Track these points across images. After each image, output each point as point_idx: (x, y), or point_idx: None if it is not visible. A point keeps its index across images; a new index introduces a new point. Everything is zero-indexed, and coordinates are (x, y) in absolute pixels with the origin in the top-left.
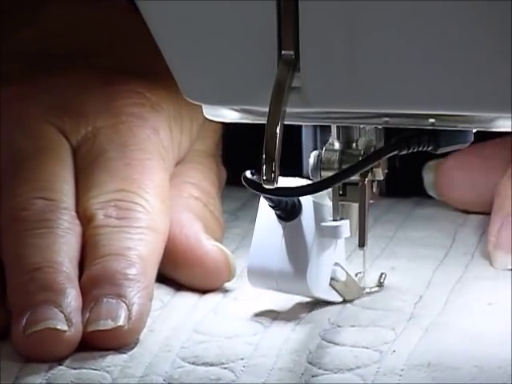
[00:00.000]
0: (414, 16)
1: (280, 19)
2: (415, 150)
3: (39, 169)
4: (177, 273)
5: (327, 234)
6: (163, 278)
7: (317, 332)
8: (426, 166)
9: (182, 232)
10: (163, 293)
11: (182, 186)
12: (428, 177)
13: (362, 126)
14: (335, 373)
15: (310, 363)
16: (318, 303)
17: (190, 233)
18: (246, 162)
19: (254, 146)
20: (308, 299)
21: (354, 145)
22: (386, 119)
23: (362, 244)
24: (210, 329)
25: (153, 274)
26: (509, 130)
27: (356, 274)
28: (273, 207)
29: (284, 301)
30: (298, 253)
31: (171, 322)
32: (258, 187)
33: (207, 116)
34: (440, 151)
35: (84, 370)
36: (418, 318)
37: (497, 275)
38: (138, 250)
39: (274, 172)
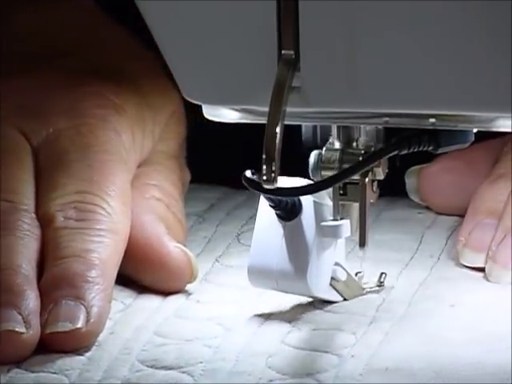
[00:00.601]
0: (414, 16)
1: (280, 19)
2: (415, 150)
3: (0, 170)
4: (139, 274)
5: (327, 234)
6: (126, 281)
7: (277, 335)
8: (409, 170)
9: (144, 234)
10: (126, 295)
11: (144, 188)
12: (410, 182)
13: (362, 126)
14: (293, 377)
15: (269, 367)
16: (282, 305)
17: (152, 234)
18: (213, 162)
19: (223, 146)
20: (269, 301)
21: (354, 144)
22: (386, 119)
23: (362, 244)
24: (170, 331)
25: (112, 276)
26: (509, 129)
27: (356, 274)
28: (273, 207)
29: (248, 303)
30: (298, 252)
31: (132, 324)
32: (258, 187)
33: (207, 116)
34: (440, 151)
35: (42, 374)
36: (380, 321)
37: (460, 277)
38: (97, 252)
39: (274, 172)
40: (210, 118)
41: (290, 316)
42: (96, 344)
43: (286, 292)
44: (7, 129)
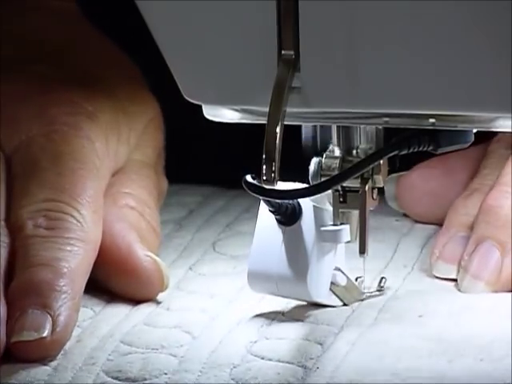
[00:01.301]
0: (414, 16)
1: (280, 19)
2: (415, 150)
3: None
4: (110, 282)
5: (327, 239)
6: (98, 288)
7: (244, 344)
8: (388, 178)
9: (115, 242)
10: (95, 303)
11: (118, 196)
12: (389, 189)
13: (362, 130)
14: None
15: (233, 379)
16: (251, 314)
17: (123, 243)
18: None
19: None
20: (239, 309)
21: (354, 152)
22: (386, 119)
23: (362, 251)
24: (137, 340)
25: (81, 285)
26: (509, 129)
27: (356, 279)
28: (273, 212)
29: (218, 311)
30: (298, 257)
31: (100, 332)
32: (257, 190)
33: (207, 116)
34: (440, 151)
35: None
36: (347, 331)
37: (432, 287)
38: (66, 260)
39: (274, 172)
40: (210, 117)
41: (258, 324)
42: (62, 353)
43: (286, 297)
44: None
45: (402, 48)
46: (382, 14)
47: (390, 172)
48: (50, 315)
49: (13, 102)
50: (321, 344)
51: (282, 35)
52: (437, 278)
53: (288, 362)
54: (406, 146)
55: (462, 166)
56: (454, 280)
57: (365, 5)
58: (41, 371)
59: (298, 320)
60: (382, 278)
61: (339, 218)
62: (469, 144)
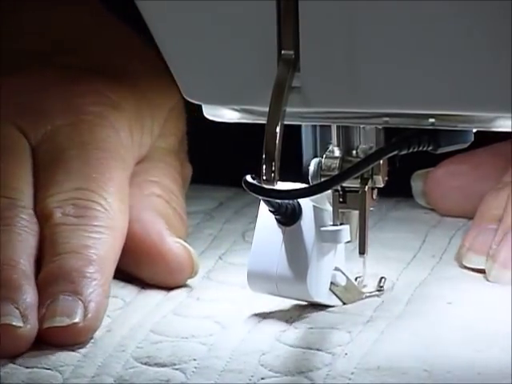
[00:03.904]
0: (414, 16)
1: (280, 19)
2: (415, 150)
3: None
4: (140, 271)
5: (327, 239)
6: (129, 278)
7: (273, 333)
8: (415, 174)
9: (145, 230)
10: (126, 292)
11: (144, 184)
12: (416, 185)
13: (362, 129)
14: (285, 375)
15: (262, 365)
16: (281, 305)
17: (152, 230)
18: (220, 160)
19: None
20: (268, 300)
21: (354, 152)
22: (386, 119)
23: (362, 251)
24: (167, 329)
25: (110, 272)
26: (509, 129)
27: (356, 279)
28: (273, 212)
29: (247, 301)
30: (298, 257)
31: (130, 322)
32: (257, 190)
33: (207, 116)
34: (440, 151)
35: (36, 369)
36: (376, 320)
37: (460, 276)
38: (95, 248)
39: (274, 172)
40: (210, 117)
41: (288, 315)
42: (92, 341)
43: (286, 297)
44: (6, 127)
45: (402, 48)
46: (382, 14)
47: (389, 172)
48: (82, 301)
49: (38, 93)
50: (349, 332)
51: (282, 35)
52: (465, 268)
53: (317, 349)
54: (406, 146)
55: (489, 162)
56: (483, 271)
57: (365, 5)
58: (70, 357)
59: (327, 311)
60: (382, 277)
61: (339, 218)
62: (468, 144)
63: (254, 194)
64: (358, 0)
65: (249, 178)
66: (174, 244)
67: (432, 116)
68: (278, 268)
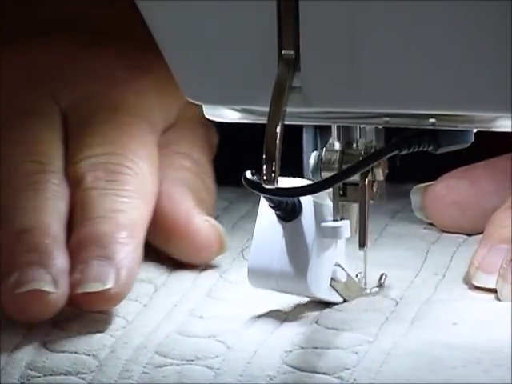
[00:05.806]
0: (414, 16)
1: (280, 19)
2: (415, 150)
3: (29, 132)
4: (168, 247)
5: (327, 235)
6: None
7: (279, 354)
8: (414, 188)
9: (174, 207)
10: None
11: (173, 157)
12: (416, 200)
13: (362, 126)
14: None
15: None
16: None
17: (181, 207)
18: (237, 163)
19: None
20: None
21: (354, 145)
22: (386, 119)
23: (362, 244)
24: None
25: (141, 236)
26: (509, 129)
27: (356, 275)
28: (273, 207)
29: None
30: (298, 253)
31: (133, 343)
32: (257, 187)
33: (207, 116)
34: (440, 151)
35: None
36: (382, 340)
37: (465, 295)
38: (126, 212)
39: (275, 172)
40: (210, 117)
41: (292, 334)
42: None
43: (286, 292)
44: (36, 92)
45: (402, 48)
46: (382, 14)
47: (389, 167)
48: (114, 267)
49: (67, 58)
50: (356, 353)
51: (282, 35)
52: (470, 286)
53: (324, 374)
54: (407, 146)
55: (488, 177)
56: (491, 290)
57: (365, 5)
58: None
59: (331, 328)
60: (382, 274)
61: (339, 212)
62: (469, 144)
63: (254, 191)
64: (358, 0)
65: (248, 174)
66: (202, 223)
67: (432, 116)
68: (278, 264)
